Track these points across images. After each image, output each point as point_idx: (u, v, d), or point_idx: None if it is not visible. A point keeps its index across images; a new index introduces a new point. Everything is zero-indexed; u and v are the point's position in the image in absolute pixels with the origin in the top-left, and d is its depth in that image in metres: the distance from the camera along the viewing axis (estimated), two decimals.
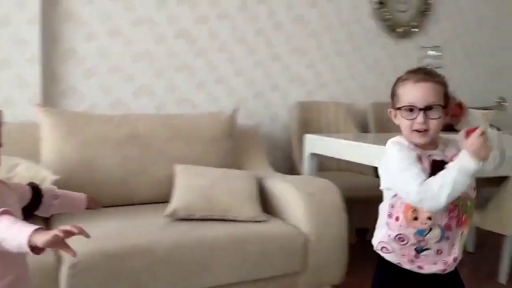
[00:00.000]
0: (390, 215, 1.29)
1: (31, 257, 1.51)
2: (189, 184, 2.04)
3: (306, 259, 1.92)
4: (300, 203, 1.97)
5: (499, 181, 2.40)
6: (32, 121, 2.27)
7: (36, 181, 1.73)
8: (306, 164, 2.58)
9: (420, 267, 1.29)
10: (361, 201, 2.59)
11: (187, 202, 1.96)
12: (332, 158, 2.91)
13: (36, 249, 0.94)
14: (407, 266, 1.30)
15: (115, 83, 2.58)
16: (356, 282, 2.11)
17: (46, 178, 1.74)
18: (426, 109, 1.23)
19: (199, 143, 2.32)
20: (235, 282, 1.82)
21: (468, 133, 1.23)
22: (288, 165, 3.03)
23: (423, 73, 1.27)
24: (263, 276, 1.86)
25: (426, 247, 1.29)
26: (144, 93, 2.65)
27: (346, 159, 2.42)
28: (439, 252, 1.29)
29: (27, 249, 0.93)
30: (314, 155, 2.57)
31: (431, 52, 2.43)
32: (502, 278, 2.59)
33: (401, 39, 3.39)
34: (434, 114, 1.24)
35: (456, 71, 3.50)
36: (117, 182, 2.12)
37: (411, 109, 1.24)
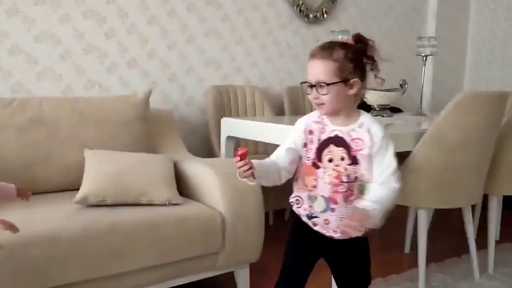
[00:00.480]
0: (296, 177, 1.45)
1: None
2: (101, 169, 1.96)
3: (224, 239, 1.93)
4: (216, 183, 1.97)
5: (404, 156, 2.58)
6: None
7: None
8: (223, 147, 2.59)
9: (314, 224, 1.42)
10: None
11: (98, 188, 1.88)
12: (249, 141, 2.96)
13: None
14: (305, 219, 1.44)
15: (16, 66, 2.39)
16: (274, 259, 2.15)
17: None
18: (317, 85, 1.32)
19: (111, 127, 2.23)
20: (152, 266, 1.78)
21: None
22: (205, 149, 3.02)
23: (320, 48, 1.33)
24: (181, 258, 1.84)
25: (314, 214, 1.40)
26: (49, 77, 2.48)
27: (263, 141, 2.46)
28: (326, 222, 1.39)
29: None
30: (231, 138, 2.58)
31: (340, 37, 2.53)
32: (407, 248, 2.81)
33: (312, 24, 3.50)
34: (322, 90, 1.31)
35: None
36: (20, 169, 1.97)
37: (309, 85, 1.33)
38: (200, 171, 2.08)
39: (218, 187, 1.97)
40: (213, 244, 1.91)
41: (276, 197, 3.00)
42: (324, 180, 1.36)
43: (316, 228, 1.41)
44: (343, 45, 1.34)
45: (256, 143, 3.08)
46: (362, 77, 1.36)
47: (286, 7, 3.35)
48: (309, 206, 1.40)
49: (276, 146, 2.97)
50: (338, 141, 1.35)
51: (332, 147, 1.35)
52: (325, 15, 3.52)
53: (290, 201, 1.46)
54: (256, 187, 2.05)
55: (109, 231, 1.69)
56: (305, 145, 1.39)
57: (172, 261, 1.82)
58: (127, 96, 2.42)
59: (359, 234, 1.26)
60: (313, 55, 1.33)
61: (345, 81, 1.32)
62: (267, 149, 3.14)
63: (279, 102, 3.35)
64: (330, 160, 1.35)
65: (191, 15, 2.93)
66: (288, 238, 1.50)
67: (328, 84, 1.30)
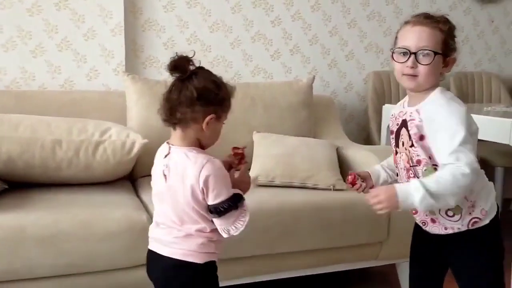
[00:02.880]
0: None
1: (126, 217, 1.59)
2: (269, 152, 2.05)
3: (389, 229, 1.88)
4: None
5: None
6: (117, 90, 2.37)
7: (127, 145, 1.82)
8: (384, 135, 2.51)
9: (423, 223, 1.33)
10: None
11: (267, 168, 1.97)
12: None
13: None
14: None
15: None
16: None
17: (135, 142, 1.81)
18: (418, 53, 1.19)
19: (277, 111, 2.31)
20: (317, 249, 1.82)
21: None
22: (362, 136, 2.96)
23: (423, 17, 1.23)
24: (346, 244, 1.84)
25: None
26: (220, 64, 2.66)
27: None
28: (413, 212, 1.33)
29: None
30: None
31: None
32: None
33: (487, 3, 3.15)
34: (425, 59, 1.19)
35: None
36: None
37: (404, 52, 1.21)
38: (365, 159, 2.04)
39: None
40: (377, 234, 1.87)
41: None
42: (400, 165, 1.30)
43: (417, 219, 1.35)
44: (446, 20, 1.25)
45: None
46: (454, 56, 1.26)
47: None
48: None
49: None
50: (405, 123, 1.26)
51: (404, 130, 1.26)
52: None
53: None
54: None
55: (279, 211, 1.76)
56: (391, 132, 1.33)
57: (336, 246, 1.83)
58: (292, 82, 2.48)
59: (380, 211, 1.18)
60: (415, 22, 1.23)
61: (446, 55, 1.22)
62: None
63: (446, 88, 3.11)
64: (403, 144, 1.27)
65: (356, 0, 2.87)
66: (410, 251, 1.46)
67: (435, 53, 1.18)
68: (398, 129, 1.29)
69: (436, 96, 1.22)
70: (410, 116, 1.24)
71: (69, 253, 1.52)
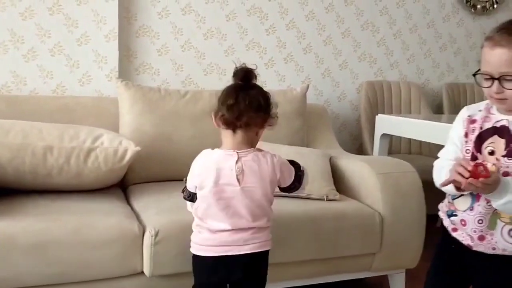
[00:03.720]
0: None
1: (117, 225, 1.58)
2: None
3: (382, 240, 1.87)
4: (377, 182, 1.91)
5: None
6: (109, 95, 2.35)
7: (119, 153, 1.80)
8: (377, 145, 2.51)
9: (454, 229, 1.25)
10: (433, 185, 2.48)
11: None
12: (403, 140, 2.82)
13: None
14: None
15: (187, 61, 2.60)
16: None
17: (128, 149, 1.79)
18: (501, 78, 1.13)
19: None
20: (310, 260, 1.80)
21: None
22: (355, 145, 2.97)
23: (504, 33, 1.13)
24: (339, 255, 1.83)
25: (454, 212, 1.25)
26: (214, 71, 2.66)
27: (421, 139, 2.34)
28: (462, 223, 1.22)
29: None
30: (385, 136, 2.49)
31: None
32: None
33: (480, 15, 3.19)
34: (509, 84, 1.12)
35: None
36: (193, 156, 2.14)
37: (487, 78, 1.16)
38: (358, 169, 2.04)
39: (378, 186, 1.91)
40: (370, 244, 1.87)
41: (431, 201, 2.82)
42: None
43: (454, 235, 1.24)
44: None
45: (409, 141, 2.94)
46: None
47: None
48: (448, 202, 1.27)
49: (430, 148, 2.81)
50: (503, 131, 1.17)
51: (496, 138, 1.18)
52: (495, 5, 3.19)
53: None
54: (417, 187, 1.95)
55: (274, 220, 1.74)
56: (465, 135, 1.24)
57: (329, 257, 1.82)
58: (286, 91, 2.47)
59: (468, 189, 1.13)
60: (495, 42, 1.13)
61: None
62: (422, 150, 2.97)
63: (437, 99, 3.14)
64: (491, 153, 1.18)
65: (348, 9, 2.88)
66: (432, 260, 1.35)
67: None
68: (483, 134, 1.20)
69: None
70: None
71: (59, 261, 1.50)
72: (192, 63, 2.62)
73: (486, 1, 3.17)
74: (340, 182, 2.10)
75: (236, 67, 1.40)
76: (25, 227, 1.49)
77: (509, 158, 1.15)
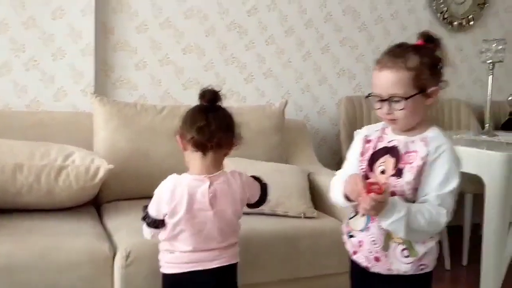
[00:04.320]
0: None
1: (87, 247, 1.54)
2: None
3: None
4: None
5: None
6: (85, 111, 2.31)
7: (91, 171, 1.76)
8: None
9: (354, 252, 1.27)
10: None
11: None
12: None
13: None
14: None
15: (165, 76, 2.58)
16: None
17: (100, 167, 1.75)
18: (390, 99, 1.16)
19: (248, 136, 2.25)
20: (286, 279, 1.78)
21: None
22: (335, 160, 2.96)
23: (390, 56, 1.18)
24: (316, 274, 1.81)
25: (351, 233, 1.26)
26: (194, 86, 2.64)
27: None
28: (360, 244, 1.24)
29: None
30: None
31: (494, 46, 2.29)
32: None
33: (456, 32, 3.24)
34: (398, 105, 1.16)
35: None
36: (169, 172, 2.10)
37: (378, 99, 1.19)
38: None
39: None
40: (347, 263, 1.85)
41: None
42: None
43: (354, 257, 1.26)
44: (416, 48, 1.19)
45: None
46: (438, 82, 1.20)
47: (427, 15, 3.15)
48: (346, 223, 1.29)
49: None
50: (394, 151, 1.20)
51: (387, 158, 1.21)
52: (471, 22, 3.24)
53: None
54: None
55: (246, 239, 1.72)
56: (361, 154, 1.27)
57: (305, 276, 1.80)
58: (265, 106, 2.47)
59: (363, 211, 1.15)
60: (383, 64, 1.18)
61: (423, 91, 1.16)
62: None
63: None
64: (383, 172, 1.21)
65: (328, 25, 2.90)
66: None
67: (405, 99, 1.15)
68: (376, 154, 1.23)
69: (439, 135, 1.20)
70: (406, 146, 1.19)
71: (26, 285, 1.45)
72: (170, 78, 2.60)
73: (463, 18, 3.22)
74: (318, 199, 2.09)
75: (202, 89, 1.39)
76: None
77: (397, 178, 1.17)
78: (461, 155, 1.94)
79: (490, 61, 2.34)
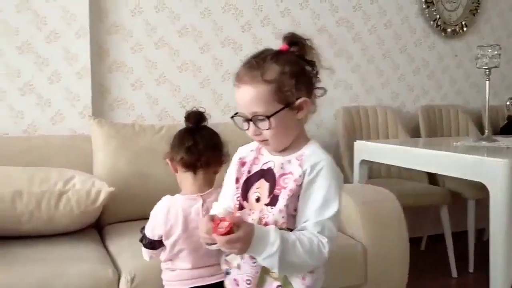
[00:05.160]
0: None
1: (90, 272, 1.51)
2: None
3: (366, 272, 1.83)
4: (357, 212, 1.89)
5: None
6: (83, 133, 2.30)
7: (92, 194, 1.74)
8: (357, 172, 2.50)
9: None
10: (414, 209, 2.48)
11: None
12: (382, 165, 2.82)
13: None
14: None
15: (162, 94, 2.57)
16: None
17: (101, 190, 1.73)
18: (253, 118, 1.00)
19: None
20: None
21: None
22: None
23: (246, 68, 1.01)
24: None
25: (229, 270, 1.10)
26: (190, 104, 2.63)
27: (400, 165, 2.34)
28: (235, 282, 1.07)
29: None
30: (364, 162, 2.48)
31: (490, 51, 2.30)
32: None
33: (450, 39, 3.26)
34: (262, 125, 0.99)
35: (510, 72, 3.36)
36: (170, 192, 2.08)
37: (243, 119, 1.02)
38: None
39: (358, 216, 1.88)
40: (355, 276, 1.83)
41: (413, 224, 2.81)
42: None
43: None
44: (275, 56, 1.02)
45: (389, 167, 2.94)
46: (309, 90, 1.05)
47: (420, 23, 3.18)
48: (224, 260, 1.10)
49: (409, 171, 2.81)
50: (269, 174, 1.03)
51: (262, 182, 1.04)
52: (464, 29, 3.26)
53: None
54: (398, 214, 1.93)
55: None
56: (237, 180, 1.08)
57: None
58: None
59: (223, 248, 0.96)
60: (239, 78, 1.01)
61: (289, 104, 1.00)
62: (401, 173, 2.97)
63: (414, 122, 3.16)
64: (258, 200, 1.04)
65: (322, 37, 2.91)
66: None
67: (268, 117, 0.98)
68: (250, 179, 1.06)
69: (315, 152, 1.04)
70: (282, 168, 1.03)
71: None
72: (167, 97, 2.59)
73: (456, 25, 3.24)
74: None
75: (187, 111, 1.41)
76: None
77: (272, 207, 1.00)
78: (464, 163, 1.95)
79: (486, 67, 2.34)
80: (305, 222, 1.00)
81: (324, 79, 3.13)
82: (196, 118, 1.40)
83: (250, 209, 1.04)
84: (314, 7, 2.87)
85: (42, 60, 2.28)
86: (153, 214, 1.36)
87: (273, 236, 0.95)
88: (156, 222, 1.34)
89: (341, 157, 2.86)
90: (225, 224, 0.94)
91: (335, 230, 1.01)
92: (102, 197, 1.73)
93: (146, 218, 2.07)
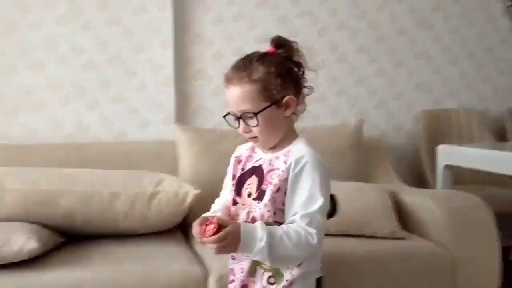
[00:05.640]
0: None
1: (182, 270, 1.57)
2: None
3: (455, 282, 1.76)
4: (444, 219, 1.82)
5: None
6: (167, 139, 2.41)
7: (180, 196, 1.82)
8: (440, 177, 2.41)
9: (231, 281, 1.19)
10: (499, 216, 2.33)
11: None
12: (467, 171, 2.69)
13: None
14: None
15: None
16: None
17: (188, 192, 1.81)
18: (243, 117, 1.09)
19: (325, 156, 2.26)
20: None
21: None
22: (415, 178, 2.86)
23: (234, 70, 1.11)
24: None
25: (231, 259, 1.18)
26: None
27: (489, 170, 2.22)
28: (233, 271, 1.18)
29: None
30: (448, 167, 2.39)
31: None
32: None
33: None
34: (251, 122, 1.08)
35: None
36: None
37: (234, 118, 1.11)
38: (423, 204, 1.96)
39: (446, 223, 1.82)
40: (443, 286, 1.76)
41: (504, 233, 2.65)
42: (241, 218, 1.13)
43: (231, 286, 1.18)
44: (261, 57, 1.11)
45: (474, 172, 2.79)
46: (297, 90, 1.13)
47: (506, 21, 3.00)
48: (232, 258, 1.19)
49: (497, 177, 2.65)
50: (259, 171, 1.12)
51: (253, 179, 1.13)
52: None
53: None
54: (489, 221, 1.84)
55: (334, 262, 1.69)
56: (233, 177, 1.19)
57: None
58: (340, 125, 2.45)
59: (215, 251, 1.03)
60: (228, 80, 1.10)
61: (276, 102, 1.08)
62: (488, 179, 2.81)
63: (499, 125, 2.99)
64: (249, 195, 1.13)
65: (400, 39, 2.85)
66: None
67: (256, 114, 1.07)
68: (243, 176, 1.16)
69: (302, 148, 1.12)
70: (270, 164, 1.12)
71: None
72: None
73: None
74: (403, 219, 2.01)
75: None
76: (92, 275, 1.52)
77: (258, 202, 1.09)
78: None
79: None
80: (293, 215, 1.06)
81: (403, 82, 3.07)
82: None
83: (243, 204, 1.13)
84: (392, 8, 2.81)
85: (130, 70, 2.43)
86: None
87: (260, 232, 1.02)
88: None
89: (420, 162, 2.77)
90: (211, 227, 1.02)
91: (322, 222, 1.07)
92: (189, 198, 1.81)
93: None
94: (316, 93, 2.83)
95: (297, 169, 1.07)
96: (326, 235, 1.88)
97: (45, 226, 1.70)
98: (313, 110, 2.71)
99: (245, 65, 1.10)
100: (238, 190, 1.16)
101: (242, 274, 1.14)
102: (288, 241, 1.03)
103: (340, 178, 2.20)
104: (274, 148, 1.14)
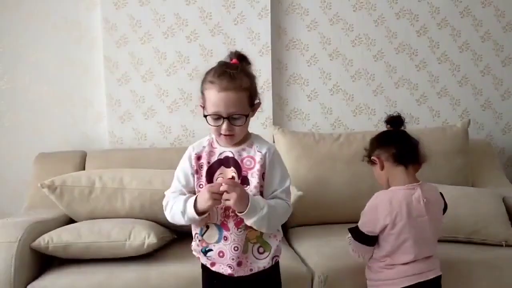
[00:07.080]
0: None
1: (288, 268, 1.62)
2: None
3: None
4: None
5: None
6: None
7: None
8: None
9: (212, 264, 1.33)
10: None
11: None
12: None
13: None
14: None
15: (335, 103, 2.64)
16: None
17: (294, 194, 1.85)
18: (230, 117, 1.25)
19: (430, 159, 2.18)
20: None
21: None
22: None
23: (229, 80, 1.25)
24: None
25: (208, 247, 1.32)
26: (364, 111, 2.65)
27: None
28: (220, 255, 1.30)
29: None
30: None
31: None
32: None
33: None
34: (238, 121, 1.27)
35: None
36: (348, 200, 2.13)
37: (217, 117, 1.25)
38: None
39: None
40: None
41: None
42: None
43: (214, 269, 1.32)
44: (242, 69, 1.29)
45: None
46: (257, 96, 1.34)
47: None
48: (199, 240, 1.32)
49: None
50: (228, 161, 1.30)
51: (223, 169, 1.31)
52: None
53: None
54: None
55: (447, 268, 1.62)
56: (196, 172, 1.33)
57: None
58: (445, 127, 2.36)
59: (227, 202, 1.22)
60: (223, 86, 1.25)
61: (252, 105, 1.31)
62: None
63: None
64: None
65: (507, 35, 2.67)
66: None
67: (246, 116, 1.27)
68: (212, 168, 1.31)
69: (264, 141, 1.36)
70: (240, 154, 1.30)
71: None
72: (341, 106, 2.65)
73: None
74: None
75: (390, 115, 1.58)
76: None
77: (245, 186, 1.28)
78: None
79: None
80: (273, 192, 1.31)
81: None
82: (400, 122, 1.57)
83: None
84: (496, 4, 2.65)
85: None
86: (370, 208, 1.47)
87: (262, 202, 1.26)
88: (377, 215, 1.44)
89: None
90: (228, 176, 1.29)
91: (291, 194, 1.39)
92: (294, 199, 1.85)
93: (325, 223, 2.17)
94: (415, 95, 2.77)
95: (271, 157, 1.32)
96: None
97: (158, 223, 1.83)
98: (413, 112, 2.65)
99: (236, 75, 1.28)
100: (210, 180, 1.33)
101: (236, 252, 1.30)
102: (279, 211, 1.29)
103: (445, 182, 2.12)
104: (237, 143, 1.33)
